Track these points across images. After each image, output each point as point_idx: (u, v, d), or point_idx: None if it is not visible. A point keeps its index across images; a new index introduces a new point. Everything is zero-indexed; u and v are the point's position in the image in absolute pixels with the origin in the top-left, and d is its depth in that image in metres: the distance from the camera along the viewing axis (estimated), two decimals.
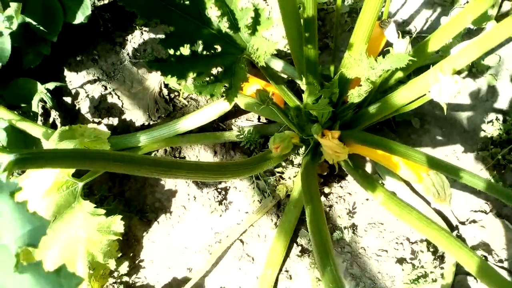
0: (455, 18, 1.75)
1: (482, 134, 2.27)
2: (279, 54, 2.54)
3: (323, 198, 2.20)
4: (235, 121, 2.38)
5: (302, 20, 1.47)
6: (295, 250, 2.12)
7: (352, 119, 1.91)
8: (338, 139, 1.71)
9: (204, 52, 1.23)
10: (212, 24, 1.27)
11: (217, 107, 2.05)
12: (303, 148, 1.89)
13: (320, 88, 1.55)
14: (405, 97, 1.70)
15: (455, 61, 1.55)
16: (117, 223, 1.90)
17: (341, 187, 2.26)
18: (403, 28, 2.58)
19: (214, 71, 1.24)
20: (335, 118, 1.78)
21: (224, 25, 1.24)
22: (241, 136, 2.16)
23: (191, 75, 1.22)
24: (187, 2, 1.24)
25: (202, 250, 2.16)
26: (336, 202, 2.22)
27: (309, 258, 2.08)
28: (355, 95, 1.50)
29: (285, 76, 2.27)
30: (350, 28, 2.56)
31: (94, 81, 2.42)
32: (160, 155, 2.29)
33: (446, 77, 1.39)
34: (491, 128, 2.24)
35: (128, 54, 2.48)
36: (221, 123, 2.36)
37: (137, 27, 2.50)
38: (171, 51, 1.21)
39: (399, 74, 1.99)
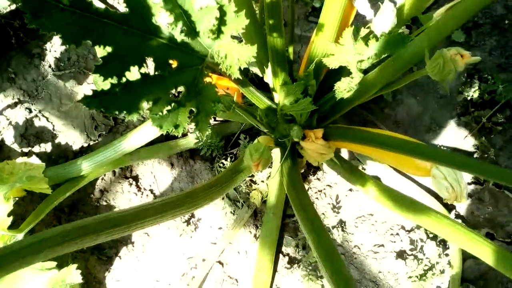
0: None
1: (461, 97, 2.08)
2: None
3: None
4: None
5: (264, 4, 1.19)
6: (282, 261, 1.89)
7: (329, 108, 1.66)
8: (322, 137, 1.46)
9: (157, 72, 0.93)
10: (162, 32, 0.95)
11: None
12: (279, 150, 1.62)
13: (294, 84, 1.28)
14: (386, 74, 1.46)
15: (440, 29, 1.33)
16: (72, 274, 1.60)
17: (318, 179, 2.04)
18: None
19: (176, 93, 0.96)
20: (312, 113, 1.52)
21: (177, 32, 0.94)
22: (200, 144, 1.87)
23: (146, 105, 0.93)
24: (126, 10, 0.92)
25: (176, 281, 1.88)
26: (317, 198, 1.99)
27: (300, 269, 1.85)
28: (345, 89, 1.24)
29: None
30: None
31: (15, 104, 2.05)
32: (109, 180, 1.97)
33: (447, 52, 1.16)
34: (471, 90, 2.05)
35: (50, 66, 2.11)
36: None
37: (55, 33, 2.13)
38: (114, 80, 0.90)
39: None
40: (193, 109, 0.98)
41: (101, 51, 0.91)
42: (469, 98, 2.07)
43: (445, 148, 2.02)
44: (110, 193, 1.97)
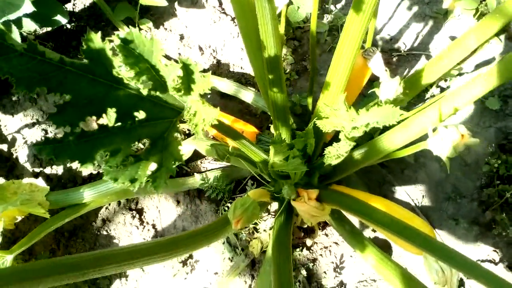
0: (454, 44, 1.50)
1: (486, 167, 2.02)
2: (250, 81, 2.29)
3: (305, 252, 1.94)
4: (202, 163, 2.12)
5: (263, 59, 1.20)
6: None
7: (334, 167, 1.64)
8: (316, 199, 1.44)
9: (119, 124, 0.95)
10: (130, 83, 0.98)
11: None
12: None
13: (288, 143, 1.28)
14: (396, 140, 1.45)
15: (456, 100, 1.32)
16: None
17: (326, 235, 2.01)
18: (391, 45, 2.34)
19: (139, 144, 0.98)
20: (312, 170, 1.51)
21: (143, 87, 0.95)
22: (205, 185, 1.89)
23: (102, 157, 0.96)
24: (85, 61, 0.93)
25: None
26: (321, 255, 1.97)
27: None
28: (333, 156, 1.24)
29: (260, 106, 2.02)
30: (331, 48, 2.32)
31: (33, 124, 2.15)
32: (113, 209, 2.01)
33: (447, 130, 1.14)
34: (497, 161, 1.99)
35: None
36: (185, 165, 2.09)
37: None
38: (67, 129, 0.93)
39: None
40: (155, 164, 0.99)
41: (57, 99, 0.93)
42: (495, 170, 2.00)
43: (455, 223, 1.96)
44: (112, 223, 2.01)
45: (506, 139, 2.09)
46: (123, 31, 0.90)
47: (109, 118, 0.95)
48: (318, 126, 1.25)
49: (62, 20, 2.02)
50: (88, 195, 1.84)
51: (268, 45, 1.14)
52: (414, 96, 1.90)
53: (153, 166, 0.98)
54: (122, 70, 0.94)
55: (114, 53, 0.93)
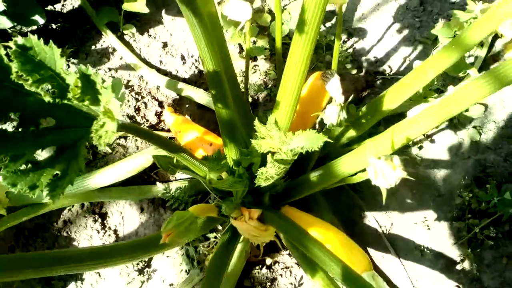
0: (413, 74, 1.50)
1: (459, 200, 1.99)
2: None
3: (265, 271, 1.93)
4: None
5: (206, 75, 1.22)
6: None
7: (289, 187, 1.65)
8: (260, 219, 1.44)
9: (22, 129, 0.97)
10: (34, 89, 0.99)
11: (137, 161, 1.81)
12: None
13: (235, 160, 1.29)
14: (351, 166, 1.45)
15: (408, 129, 1.31)
16: None
17: (290, 255, 2.01)
18: (376, 67, 2.34)
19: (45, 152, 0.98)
20: (263, 189, 1.51)
21: (44, 94, 0.96)
22: (167, 195, 1.90)
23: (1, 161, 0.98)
24: None
25: None
26: (281, 275, 1.96)
27: None
28: (262, 178, 1.24)
29: None
30: (315, 66, 2.32)
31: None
32: (75, 212, 2.04)
33: (380, 162, 1.13)
34: (469, 194, 1.96)
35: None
36: (155, 173, 2.10)
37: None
38: None
39: (352, 133, 1.74)
40: (59, 172, 1.00)
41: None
42: (466, 203, 1.98)
43: (420, 254, 1.94)
44: (73, 225, 2.03)
45: (483, 172, 2.06)
46: (19, 40, 0.90)
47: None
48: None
49: (39, 20, 2.08)
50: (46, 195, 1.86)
51: (205, 61, 1.15)
52: None
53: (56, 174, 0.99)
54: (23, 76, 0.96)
55: (10, 59, 0.95)
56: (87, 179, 1.84)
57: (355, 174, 1.46)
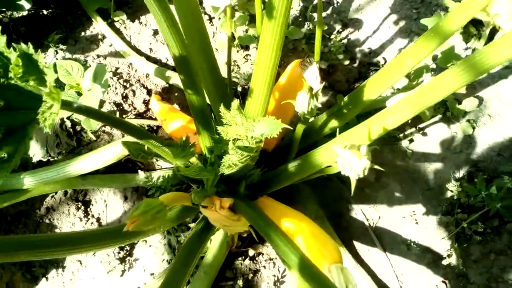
0: (392, 63, 1.47)
1: (449, 194, 1.96)
2: None
3: (248, 262, 1.92)
4: (158, 160, 2.11)
5: (173, 59, 1.19)
6: None
7: (267, 178, 1.62)
8: (232, 208, 1.42)
9: None
10: None
11: (117, 149, 1.79)
12: None
13: (208, 147, 1.26)
14: (328, 156, 1.43)
15: (385, 119, 1.29)
16: None
17: None
18: (369, 59, 2.30)
19: None
20: (239, 179, 1.49)
21: None
22: (149, 183, 1.88)
23: None
24: None
25: None
26: (264, 267, 1.95)
27: None
28: (225, 166, 1.22)
29: None
30: (308, 56, 2.28)
31: None
32: (59, 199, 2.03)
33: (345, 152, 1.11)
34: (458, 188, 1.92)
35: None
36: (140, 161, 2.09)
37: (52, 45, 2.26)
38: None
39: (334, 123, 1.71)
40: (5, 155, 0.98)
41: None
42: (456, 197, 1.94)
43: (407, 248, 1.91)
44: (55, 212, 2.03)
45: (474, 167, 2.02)
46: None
47: None
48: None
49: (25, 4, 2.08)
50: (28, 181, 1.86)
51: (170, 45, 1.13)
52: None
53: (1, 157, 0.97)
54: None
55: None
56: (67, 166, 1.83)
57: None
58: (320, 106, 1.67)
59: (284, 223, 1.42)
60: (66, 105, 0.99)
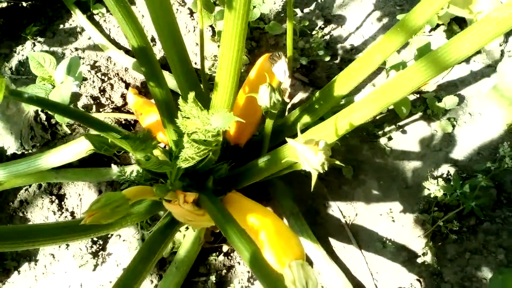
0: (361, 58, 1.46)
1: (426, 192, 1.94)
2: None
3: (222, 258, 1.91)
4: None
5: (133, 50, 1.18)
6: None
7: (237, 173, 1.61)
8: (197, 203, 1.41)
9: None
10: None
11: (85, 143, 1.77)
12: None
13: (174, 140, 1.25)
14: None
15: (351, 115, 1.28)
16: None
17: None
18: (351, 56, 2.30)
19: None
20: (206, 174, 1.47)
21: None
22: (121, 177, 1.87)
23: None
24: None
25: None
26: (239, 263, 1.95)
27: None
28: (181, 159, 1.20)
29: None
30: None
31: None
32: (32, 192, 2.02)
33: (302, 147, 1.10)
34: (435, 186, 1.91)
35: (11, 68, 2.23)
36: (117, 154, 2.08)
37: (30, 37, 2.24)
38: None
39: (306, 119, 1.70)
40: None
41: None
42: (433, 196, 1.93)
43: (382, 245, 1.90)
44: (29, 205, 2.02)
45: (453, 165, 2.01)
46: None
47: None
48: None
49: None
50: None
51: (127, 35, 1.12)
52: None
53: None
54: None
55: None
56: (38, 159, 1.81)
57: None
58: (289, 101, 1.66)
59: (250, 219, 1.41)
60: (15, 94, 0.98)
